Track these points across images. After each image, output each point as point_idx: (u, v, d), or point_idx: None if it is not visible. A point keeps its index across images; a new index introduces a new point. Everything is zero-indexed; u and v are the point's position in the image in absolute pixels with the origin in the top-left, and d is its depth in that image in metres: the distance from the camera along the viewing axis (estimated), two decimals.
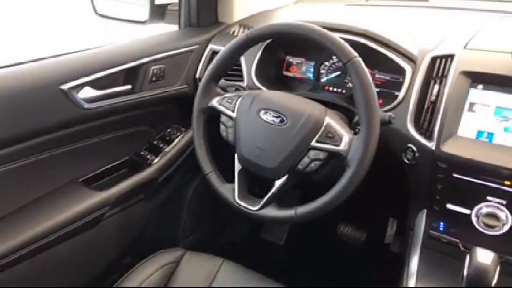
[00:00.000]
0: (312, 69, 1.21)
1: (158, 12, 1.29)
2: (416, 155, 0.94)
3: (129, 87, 1.14)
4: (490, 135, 0.88)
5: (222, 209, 1.52)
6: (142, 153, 1.25)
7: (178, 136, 1.28)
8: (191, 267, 1.03)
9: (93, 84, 1.06)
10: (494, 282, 0.76)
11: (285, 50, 1.24)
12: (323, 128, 0.85)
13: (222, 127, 0.96)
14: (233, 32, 1.30)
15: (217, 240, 1.63)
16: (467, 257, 0.80)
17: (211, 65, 0.98)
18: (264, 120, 0.89)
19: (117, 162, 1.21)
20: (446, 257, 0.92)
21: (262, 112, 0.90)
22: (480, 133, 0.89)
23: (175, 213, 1.38)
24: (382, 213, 1.55)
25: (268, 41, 1.17)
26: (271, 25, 0.91)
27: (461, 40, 0.98)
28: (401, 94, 0.99)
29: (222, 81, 1.04)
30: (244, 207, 0.91)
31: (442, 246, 0.93)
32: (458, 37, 1.02)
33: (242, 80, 1.18)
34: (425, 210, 0.97)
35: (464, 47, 0.95)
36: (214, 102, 0.97)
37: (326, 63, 1.18)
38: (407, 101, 0.97)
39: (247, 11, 1.43)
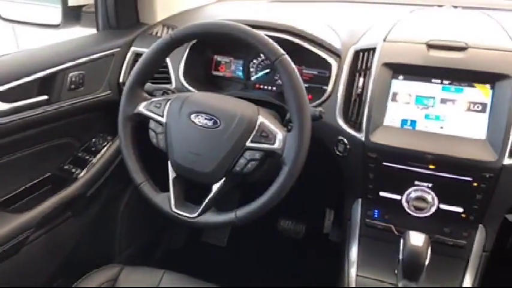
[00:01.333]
0: (241, 68, 1.20)
1: (72, 15, 1.21)
2: (348, 146, 0.96)
3: (45, 97, 1.05)
4: (413, 123, 0.93)
5: (159, 218, 1.47)
6: (66, 167, 1.16)
7: (105, 146, 1.21)
8: (130, 284, 0.97)
9: (3, 97, 0.96)
10: (427, 262, 0.81)
11: (212, 49, 1.21)
12: (257, 127, 0.84)
13: (152, 134, 0.91)
14: (156, 33, 1.25)
15: (157, 250, 1.57)
16: (402, 241, 0.84)
17: (135, 69, 0.93)
18: (196, 124, 0.87)
19: (38, 180, 1.11)
20: (383, 242, 0.96)
21: (193, 115, 0.87)
22: (404, 121, 0.93)
23: (109, 227, 1.30)
24: (320, 205, 1.59)
25: (194, 41, 1.13)
26: (195, 25, 0.88)
27: (381, 33, 1.02)
28: (329, 88, 1.02)
29: (148, 85, 0.99)
30: (182, 215, 0.87)
31: (378, 232, 0.97)
32: (378, 30, 1.06)
33: (170, 83, 1.14)
34: (360, 200, 1.01)
35: (384, 40, 0.99)
36: (141, 108, 0.93)
37: (255, 61, 1.18)
38: (335, 95, 0.99)
39: (170, 11, 1.38)
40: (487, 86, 0.89)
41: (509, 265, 1.10)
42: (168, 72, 1.14)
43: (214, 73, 1.22)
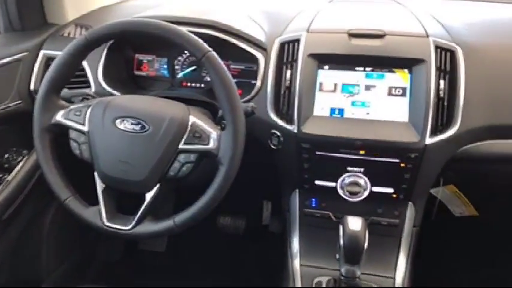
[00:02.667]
0: (165, 66, 1.14)
1: None
2: (281, 139, 0.96)
3: None
4: (341, 111, 0.95)
5: (91, 231, 1.37)
6: None
7: (19, 161, 1.09)
8: None
9: None
10: (366, 244, 0.84)
11: (132, 47, 1.15)
12: (189, 128, 0.81)
13: (74, 144, 0.84)
14: (68, 34, 1.15)
15: (92, 264, 1.47)
16: (340, 227, 0.86)
17: (48, 74, 0.85)
18: (123, 130, 0.81)
19: None
20: (323, 230, 0.98)
21: (118, 121, 0.82)
22: (333, 110, 0.95)
23: (33, 249, 1.19)
24: (257, 198, 1.59)
25: (112, 41, 1.06)
26: (112, 24, 0.82)
27: (303, 23, 1.04)
28: (258, 83, 1.01)
29: (65, 91, 0.91)
30: (115, 228, 0.82)
31: (317, 220, 0.99)
32: (301, 21, 1.07)
33: (89, 87, 1.06)
34: (297, 190, 1.02)
35: (308, 30, 1.00)
36: (59, 117, 0.85)
37: (179, 58, 1.13)
38: (265, 88, 0.99)
39: (82, 9, 1.28)
40: (406, 70, 0.94)
41: (435, 236, 1.19)
42: (85, 76, 1.06)
43: (137, 73, 1.15)
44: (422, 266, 1.02)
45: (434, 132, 0.90)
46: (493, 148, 0.95)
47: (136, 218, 0.82)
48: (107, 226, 0.82)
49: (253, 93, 1.01)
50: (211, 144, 0.80)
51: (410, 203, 0.98)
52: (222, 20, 1.05)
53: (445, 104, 0.91)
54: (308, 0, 1.28)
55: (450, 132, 0.90)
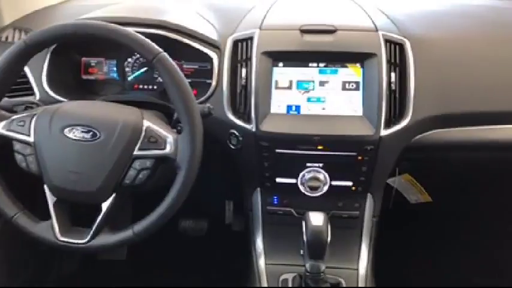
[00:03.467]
0: (115, 69, 1.10)
1: None
2: (240, 139, 0.95)
3: None
4: (298, 108, 0.95)
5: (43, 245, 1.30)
6: None
7: None
8: None
9: None
10: (329, 238, 0.85)
11: (78, 50, 1.09)
12: (143, 133, 0.78)
13: (19, 157, 0.79)
14: (6, 38, 1.08)
15: (47, 279, 1.39)
16: (303, 223, 0.87)
17: None
18: (72, 139, 0.77)
19: None
20: (286, 227, 0.98)
21: (67, 130, 0.77)
22: (289, 107, 0.95)
23: None
24: (219, 198, 1.57)
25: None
26: (54, 27, 0.77)
27: (255, 21, 1.03)
28: (213, 82, 0.99)
29: (6, 100, 0.85)
30: (70, 243, 0.78)
31: (280, 218, 0.99)
32: (253, 18, 1.06)
33: (32, 94, 1.00)
34: (259, 189, 1.01)
35: (260, 28, 0.99)
36: (1, 129, 0.79)
37: (129, 60, 1.09)
38: (221, 88, 0.97)
39: (21, 10, 1.20)
40: (358, 65, 0.95)
41: (394, 224, 1.22)
42: (28, 82, 1.00)
43: (85, 77, 1.10)
44: (384, 255, 1.05)
45: (388, 124, 0.92)
46: (444, 136, 0.99)
47: (92, 230, 0.78)
48: (61, 241, 0.78)
49: (208, 93, 0.99)
50: (168, 149, 0.77)
51: (369, 194, 1.00)
52: (173, 20, 1.02)
53: (397, 96, 0.93)
54: None
55: (403, 123, 0.93)
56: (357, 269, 0.97)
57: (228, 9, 1.17)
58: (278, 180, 0.97)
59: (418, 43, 0.98)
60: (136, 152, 0.77)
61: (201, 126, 0.78)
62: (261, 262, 0.98)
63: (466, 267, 1.40)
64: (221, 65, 0.99)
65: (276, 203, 1.00)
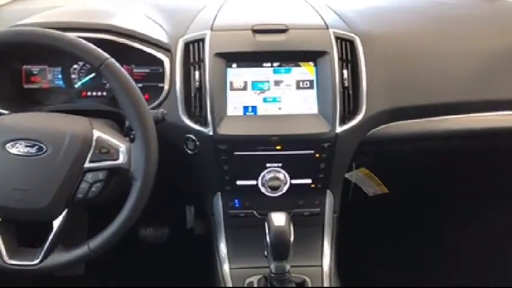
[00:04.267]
0: (60, 76, 1.04)
1: None
2: (197, 143, 0.93)
3: None
4: (254, 109, 0.95)
5: None
6: None
7: None
8: None
9: None
10: (292, 238, 0.85)
11: (17, 58, 1.02)
12: (94, 144, 0.75)
13: None
14: None
15: None
16: (266, 224, 0.86)
17: None
18: (16, 155, 0.72)
19: None
20: (249, 229, 0.97)
21: (9, 145, 0.72)
22: (246, 108, 0.94)
23: None
24: (179, 203, 1.54)
25: None
26: None
27: (206, 21, 1.01)
28: (165, 86, 0.96)
29: None
30: (20, 265, 0.73)
31: (243, 220, 0.98)
32: (203, 18, 1.04)
33: None
34: (219, 193, 1.00)
35: (211, 29, 0.97)
36: None
37: (75, 66, 1.03)
38: (174, 92, 0.95)
39: None
40: (311, 63, 0.96)
41: (354, 218, 1.25)
42: None
43: (27, 86, 1.03)
44: (346, 249, 1.07)
45: (343, 121, 0.93)
46: (396, 129, 1.02)
47: (44, 250, 0.74)
48: (10, 264, 0.73)
49: (161, 97, 0.96)
50: (121, 159, 0.74)
51: (328, 190, 1.01)
52: (119, 23, 0.98)
53: (350, 92, 0.95)
54: None
55: (357, 119, 0.94)
56: (321, 266, 0.98)
57: (178, 10, 1.14)
58: (238, 182, 0.96)
59: (367, 39, 1.00)
60: (87, 165, 0.73)
61: (154, 133, 0.75)
62: (226, 267, 0.96)
63: (426, 254, 1.46)
64: (173, 68, 0.96)
65: (237, 206, 0.99)
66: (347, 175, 1.18)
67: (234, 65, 0.95)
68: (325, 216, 1.01)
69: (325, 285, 0.96)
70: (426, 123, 1.02)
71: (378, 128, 1.01)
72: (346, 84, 0.94)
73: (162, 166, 0.78)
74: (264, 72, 0.96)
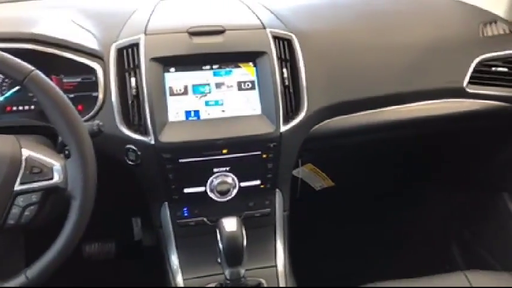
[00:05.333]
0: None
1: None
2: (139, 153, 0.89)
3: None
4: (197, 113, 0.92)
5: None
6: None
7: None
8: None
9: None
10: (245, 242, 0.83)
11: None
12: (23, 164, 0.68)
13: None
14: None
15: None
16: (217, 231, 0.84)
17: None
18: None
19: None
20: (200, 237, 0.95)
21: None
22: (188, 113, 0.92)
23: None
24: (124, 216, 1.47)
25: None
26: None
27: (139, 25, 0.96)
28: (100, 95, 0.91)
29: None
30: None
31: (193, 229, 0.96)
32: (136, 22, 0.99)
33: None
34: (166, 203, 0.96)
35: (145, 33, 0.93)
36: None
37: None
38: (110, 101, 0.90)
39: None
40: (250, 64, 0.95)
41: (304, 214, 1.26)
42: None
43: None
44: (300, 246, 1.08)
45: (286, 120, 0.93)
46: (338, 124, 1.04)
47: None
48: None
49: (96, 107, 0.91)
50: (56, 178, 0.69)
51: (277, 190, 1.01)
52: (44, 31, 0.91)
53: (291, 91, 0.95)
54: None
55: (300, 116, 0.95)
56: (276, 266, 0.98)
57: (107, 14, 1.08)
58: (186, 190, 0.93)
59: (304, 37, 1.01)
60: (17, 187, 0.67)
61: (91, 147, 0.70)
62: (179, 279, 0.93)
63: (373, 241, 1.51)
64: (107, 75, 0.91)
65: (186, 214, 0.96)
66: (294, 172, 1.19)
67: (172, 69, 0.92)
68: (276, 215, 1.01)
69: (281, 285, 0.96)
70: (365, 116, 1.05)
71: (320, 124, 1.02)
72: (287, 83, 0.95)
73: (103, 180, 0.74)
74: (204, 75, 0.93)
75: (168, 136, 0.88)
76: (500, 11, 1.18)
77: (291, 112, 0.94)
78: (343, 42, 1.08)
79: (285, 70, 0.95)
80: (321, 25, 1.10)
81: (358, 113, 1.05)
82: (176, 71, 0.92)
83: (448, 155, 1.33)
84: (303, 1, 1.21)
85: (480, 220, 1.42)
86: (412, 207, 1.55)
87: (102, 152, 0.77)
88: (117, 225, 1.54)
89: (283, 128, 0.93)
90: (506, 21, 1.17)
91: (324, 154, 1.20)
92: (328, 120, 1.03)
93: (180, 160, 0.89)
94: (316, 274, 1.25)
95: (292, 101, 0.95)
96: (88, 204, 0.69)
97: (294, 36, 0.99)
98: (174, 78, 0.92)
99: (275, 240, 1.01)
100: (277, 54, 0.94)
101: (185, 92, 0.92)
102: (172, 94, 0.91)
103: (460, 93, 1.08)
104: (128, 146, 0.89)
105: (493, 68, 1.11)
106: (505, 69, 1.12)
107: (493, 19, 1.17)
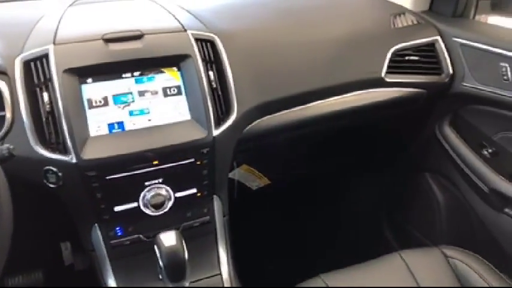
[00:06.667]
0: None
1: None
2: (60, 174, 0.82)
3: None
4: (121, 125, 0.86)
5: None
6: None
7: None
8: None
9: None
10: (187, 255, 0.80)
11: None
12: None
13: None
14: None
15: None
16: (156, 247, 0.80)
17: None
18: None
19: None
20: (138, 256, 0.89)
21: None
22: (111, 126, 0.86)
23: None
24: (52, 242, 1.35)
25: None
26: None
27: (47, 34, 0.88)
28: (7, 114, 0.82)
29: None
30: None
31: (129, 248, 0.90)
32: (42, 31, 0.91)
33: None
34: (96, 224, 0.89)
35: (54, 42, 0.85)
36: None
37: None
38: (20, 120, 0.81)
39: None
40: (174, 68, 0.91)
41: (244, 215, 1.25)
42: None
43: None
44: (242, 248, 1.06)
45: (218, 123, 0.91)
46: (269, 122, 1.04)
47: None
48: None
49: (4, 128, 0.81)
50: None
51: (215, 196, 0.98)
52: None
53: (220, 93, 0.93)
54: (43, 6, 1.09)
55: (231, 119, 0.93)
56: (220, 274, 0.95)
57: (8, 24, 0.98)
58: (117, 208, 0.86)
59: (227, 38, 0.99)
60: None
61: (2, 175, 0.63)
62: None
63: (311, 231, 1.55)
64: (14, 92, 0.82)
65: (120, 234, 0.90)
66: (230, 174, 1.17)
67: (89, 80, 0.85)
68: (216, 222, 0.99)
69: None
70: (295, 113, 1.07)
71: (252, 124, 1.01)
72: (214, 86, 0.92)
73: (24, 207, 0.66)
74: (125, 84, 0.88)
75: (91, 152, 0.81)
76: (407, 3, 1.26)
77: (221, 115, 0.92)
78: (265, 40, 1.08)
79: (211, 72, 0.92)
80: (242, 25, 1.09)
81: (288, 110, 1.06)
82: (94, 81, 0.85)
83: (375, 142, 1.39)
84: (221, 1, 1.19)
85: (407, 201, 1.52)
86: (346, 196, 1.60)
87: (17, 178, 0.69)
88: (45, 252, 1.41)
89: (215, 132, 0.90)
90: (413, 12, 1.25)
91: (258, 153, 1.20)
92: (260, 120, 1.02)
93: (107, 177, 0.83)
94: (261, 275, 1.24)
95: (221, 104, 0.93)
96: (3, 237, 0.61)
97: (216, 37, 0.97)
98: (92, 90, 0.85)
99: (217, 248, 0.98)
100: (201, 56, 0.92)
101: (106, 104, 0.86)
102: (91, 107, 0.84)
103: (380, 83, 1.13)
104: (47, 167, 0.81)
105: (406, 57, 1.18)
106: (417, 58, 1.19)
107: (401, 11, 1.24)
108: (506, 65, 1.04)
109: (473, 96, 1.15)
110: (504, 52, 1.04)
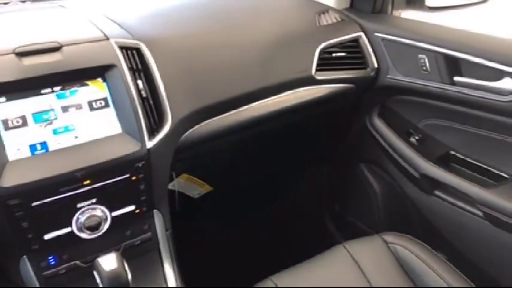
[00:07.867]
0: None
1: None
2: None
3: None
4: (44, 145, 0.79)
5: None
6: None
7: None
8: None
9: None
10: (129, 276, 0.76)
11: None
12: None
13: None
14: None
15: None
16: (95, 273, 0.75)
17: None
18: None
19: None
20: (77, 284, 0.83)
21: None
22: (33, 147, 0.78)
23: None
24: None
25: None
26: None
27: None
28: None
29: None
30: None
31: (66, 278, 0.83)
32: None
33: None
34: (25, 256, 0.81)
35: None
36: None
37: None
38: None
39: None
40: (99, 80, 0.85)
41: (188, 226, 1.21)
42: None
43: None
44: (189, 261, 1.03)
45: (152, 134, 0.87)
46: (205, 129, 1.02)
47: None
48: None
49: None
50: None
51: (155, 210, 0.94)
52: None
53: (151, 102, 0.89)
54: None
55: (166, 128, 0.89)
56: None
57: None
58: (47, 236, 0.79)
59: (154, 45, 0.95)
60: None
61: None
62: None
63: (260, 235, 1.54)
64: None
65: (53, 263, 0.82)
66: (170, 186, 1.13)
67: (3, 99, 0.77)
68: (158, 238, 0.94)
69: None
70: (230, 117, 1.05)
71: (188, 132, 0.98)
72: (145, 95, 0.88)
73: None
74: (46, 100, 0.81)
75: (11, 179, 0.74)
76: (329, 1, 1.29)
77: (154, 125, 0.88)
78: (194, 44, 1.05)
79: (139, 81, 0.88)
80: (169, 30, 1.05)
81: (223, 115, 1.04)
82: (8, 100, 0.77)
83: (311, 138, 1.41)
84: (146, 8, 1.15)
85: (346, 192, 1.57)
86: (288, 195, 1.62)
87: None
88: None
89: (149, 144, 0.86)
90: (336, 9, 1.28)
91: (197, 161, 1.17)
92: (196, 127, 1.00)
93: (33, 204, 0.76)
94: (211, 284, 1.22)
95: (153, 113, 0.89)
96: None
97: (142, 45, 0.92)
98: (7, 109, 0.77)
99: (162, 264, 0.93)
100: (127, 65, 0.87)
101: (24, 123, 0.78)
102: (7, 128, 0.77)
103: (311, 81, 1.15)
104: None
105: (334, 54, 1.21)
106: (343, 54, 1.22)
107: (325, 9, 1.27)
108: (424, 56, 1.11)
109: (397, 88, 1.21)
110: (421, 45, 1.10)
